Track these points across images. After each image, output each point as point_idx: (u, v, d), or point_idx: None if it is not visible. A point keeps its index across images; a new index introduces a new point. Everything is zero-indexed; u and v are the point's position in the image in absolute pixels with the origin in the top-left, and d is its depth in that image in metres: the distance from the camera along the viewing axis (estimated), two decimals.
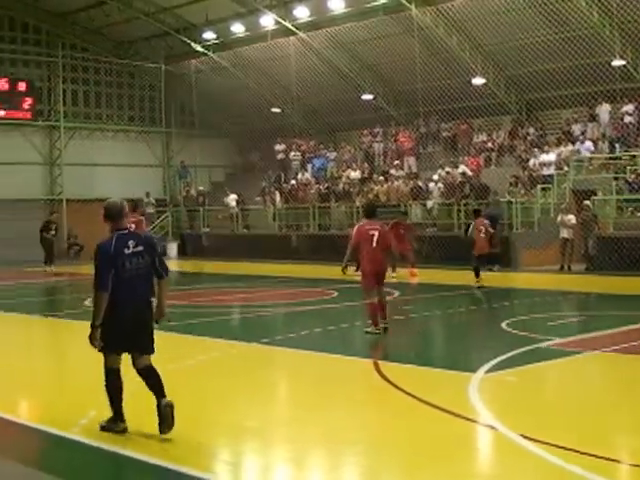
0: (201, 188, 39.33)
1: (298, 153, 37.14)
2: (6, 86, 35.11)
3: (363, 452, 7.18)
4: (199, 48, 35.95)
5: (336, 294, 19.70)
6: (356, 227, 13.63)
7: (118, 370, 7.69)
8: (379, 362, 10.75)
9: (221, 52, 35.84)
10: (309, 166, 36.56)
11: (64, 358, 12.89)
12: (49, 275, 27.39)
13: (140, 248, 7.66)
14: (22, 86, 35.70)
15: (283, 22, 32.44)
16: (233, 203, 36.27)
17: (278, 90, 36.62)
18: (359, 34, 31.65)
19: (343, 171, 34.48)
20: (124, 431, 7.59)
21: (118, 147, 39.04)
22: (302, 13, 31.87)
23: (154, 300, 7.91)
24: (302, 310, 17.56)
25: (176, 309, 17.91)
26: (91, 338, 7.45)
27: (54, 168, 37.34)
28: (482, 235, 20.83)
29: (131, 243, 7.63)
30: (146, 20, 35.40)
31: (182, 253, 37.19)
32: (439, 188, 29.41)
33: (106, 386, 7.71)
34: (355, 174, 33.53)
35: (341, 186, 33.30)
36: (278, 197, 35.25)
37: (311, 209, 32.98)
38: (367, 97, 34.64)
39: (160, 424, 7.48)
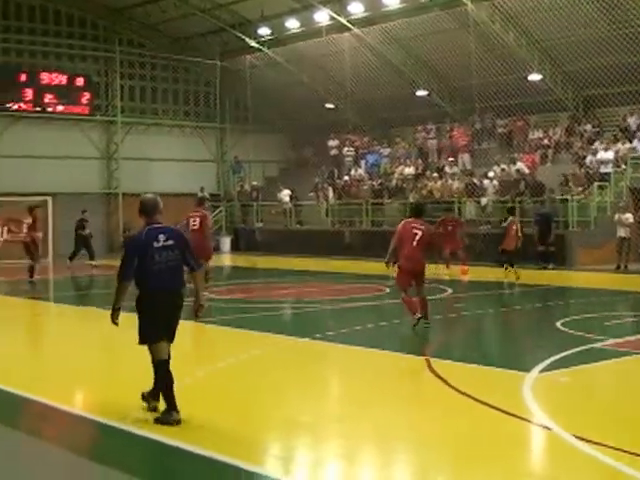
0: (255, 183, 39.55)
1: (352, 149, 37.13)
2: (64, 81, 35.66)
3: (415, 450, 7.18)
4: (254, 44, 36.11)
5: (388, 290, 19.66)
6: (402, 224, 13.82)
7: (166, 362, 7.95)
8: (431, 359, 10.71)
9: (276, 48, 35.95)
10: (362, 162, 36.54)
11: (121, 350, 13.06)
12: (97, 268, 27.33)
13: (170, 242, 7.97)
14: (80, 81, 36.19)
15: (338, 18, 32.43)
16: (286, 198, 36.40)
17: (332, 86, 36.64)
18: (414, 30, 31.49)
19: (396, 167, 34.38)
20: (178, 422, 7.70)
21: (173, 142, 39.41)
22: (357, 9, 31.80)
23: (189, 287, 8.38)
24: (354, 306, 17.57)
25: (229, 303, 18.08)
26: (112, 318, 8.01)
27: (111, 162, 37.84)
28: (513, 233, 21.69)
29: (161, 237, 7.95)
30: (202, 16, 35.66)
31: (235, 248, 37.43)
32: (494, 185, 29.18)
33: (157, 379, 7.95)
34: (409, 170, 33.41)
35: (394, 182, 33.20)
36: (331, 193, 35.28)
37: (364, 205, 32.96)
38: (421, 93, 34.46)
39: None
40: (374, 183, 34.02)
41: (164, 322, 7.95)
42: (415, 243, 13.23)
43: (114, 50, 37.35)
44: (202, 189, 38.35)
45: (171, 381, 7.85)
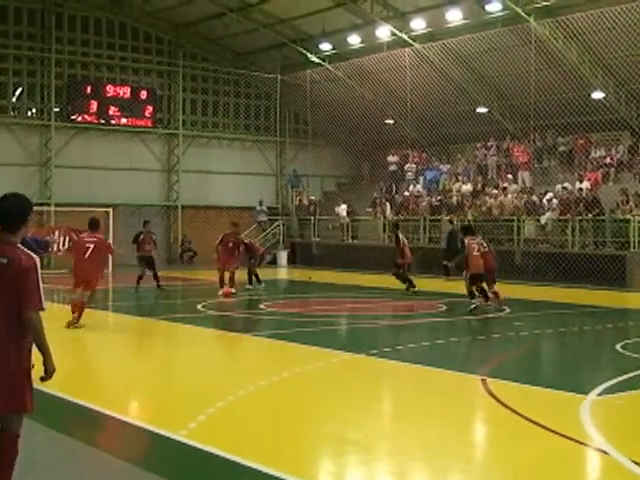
0: (312, 197, 39.65)
1: (413, 165, 37.00)
2: (128, 94, 36.24)
3: (468, 469, 7.09)
4: (315, 59, 36.28)
5: (444, 307, 19.54)
6: (78, 239, 16.69)
7: None
8: (487, 379, 10.59)
9: (336, 63, 36.09)
10: (421, 178, 36.42)
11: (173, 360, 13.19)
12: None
13: None
14: (144, 94, 36.76)
15: (399, 34, 32.42)
16: (343, 213, 36.43)
17: (392, 101, 36.60)
18: (475, 46, 31.35)
19: (453, 184, 34.19)
20: None
21: (233, 155, 39.76)
22: (418, 25, 31.76)
23: None
24: (410, 323, 17.49)
25: (284, 317, 18.13)
26: None
27: (172, 175, 38.29)
28: (475, 253, 18.74)
29: None
30: (264, 31, 35.94)
31: (292, 262, 37.56)
32: (553, 204, 28.78)
33: None
34: (466, 187, 33.19)
35: (454, 199, 32.97)
36: (389, 208, 35.21)
37: (422, 221, 32.82)
38: (482, 110, 34.27)
39: None
40: (433, 199, 33.85)
41: None
42: (87, 255, 15.26)
43: (178, 64, 37.93)
44: (261, 202, 38.68)
45: None
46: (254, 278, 23.81)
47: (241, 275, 23.45)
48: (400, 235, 24.08)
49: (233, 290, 22.04)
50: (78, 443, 7.74)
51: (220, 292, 22.06)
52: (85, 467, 7.09)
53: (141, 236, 24.69)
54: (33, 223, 22.21)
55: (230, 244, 22.97)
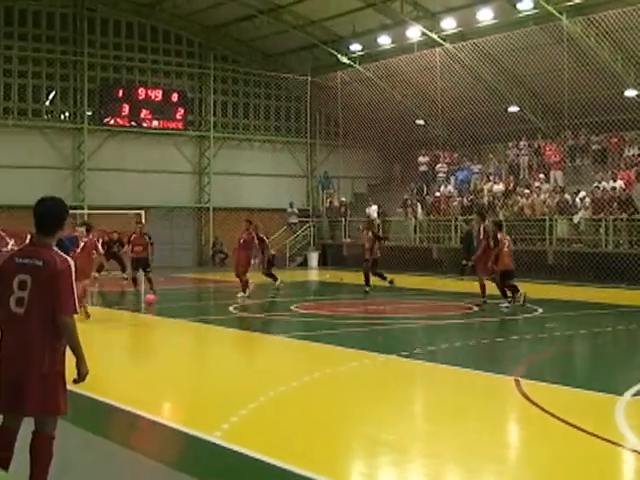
0: (343, 199, 39.63)
1: (444, 165, 36.86)
2: (160, 97, 36.47)
3: (502, 471, 7.05)
4: (345, 60, 36.27)
5: (476, 309, 19.44)
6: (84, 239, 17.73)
7: None
8: (521, 380, 10.52)
9: (367, 64, 36.04)
10: (452, 178, 36.28)
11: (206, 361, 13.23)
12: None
13: None
14: (175, 97, 36.98)
15: (429, 34, 32.32)
16: (374, 214, 36.35)
17: (422, 102, 36.50)
18: (507, 45, 31.17)
19: (484, 184, 33.99)
20: None
21: (264, 157, 39.85)
22: (449, 24, 31.66)
23: None
24: (442, 324, 17.42)
25: (315, 319, 18.14)
26: None
27: (203, 177, 38.46)
28: (506, 250, 18.90)
29: None
30: (294, 33, 36.00)
31: (323, 263, 37.55)
32: (586, 203, 28.53)
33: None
34: (498, 187, 33.00)
35: (485, 199, 32.80)
36: (420, 209, 35.12)
37: (453, 222, 32.69)
38: (513, 109, 34.07)
39: None
40: (464, 199, 33.70)
41: None
42: (79, 251, 16.24)
43: (208, 66, 38.08)
44: (291, 204, 38.72)
45: None
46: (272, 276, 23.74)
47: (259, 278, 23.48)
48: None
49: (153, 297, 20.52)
50: (114, 445, 7.79)
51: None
52: (121, 469, 7.13)
53: (132, 236, 22.72)
54: (67, 226, 22.23)
55: (242, 240, 22.50)
